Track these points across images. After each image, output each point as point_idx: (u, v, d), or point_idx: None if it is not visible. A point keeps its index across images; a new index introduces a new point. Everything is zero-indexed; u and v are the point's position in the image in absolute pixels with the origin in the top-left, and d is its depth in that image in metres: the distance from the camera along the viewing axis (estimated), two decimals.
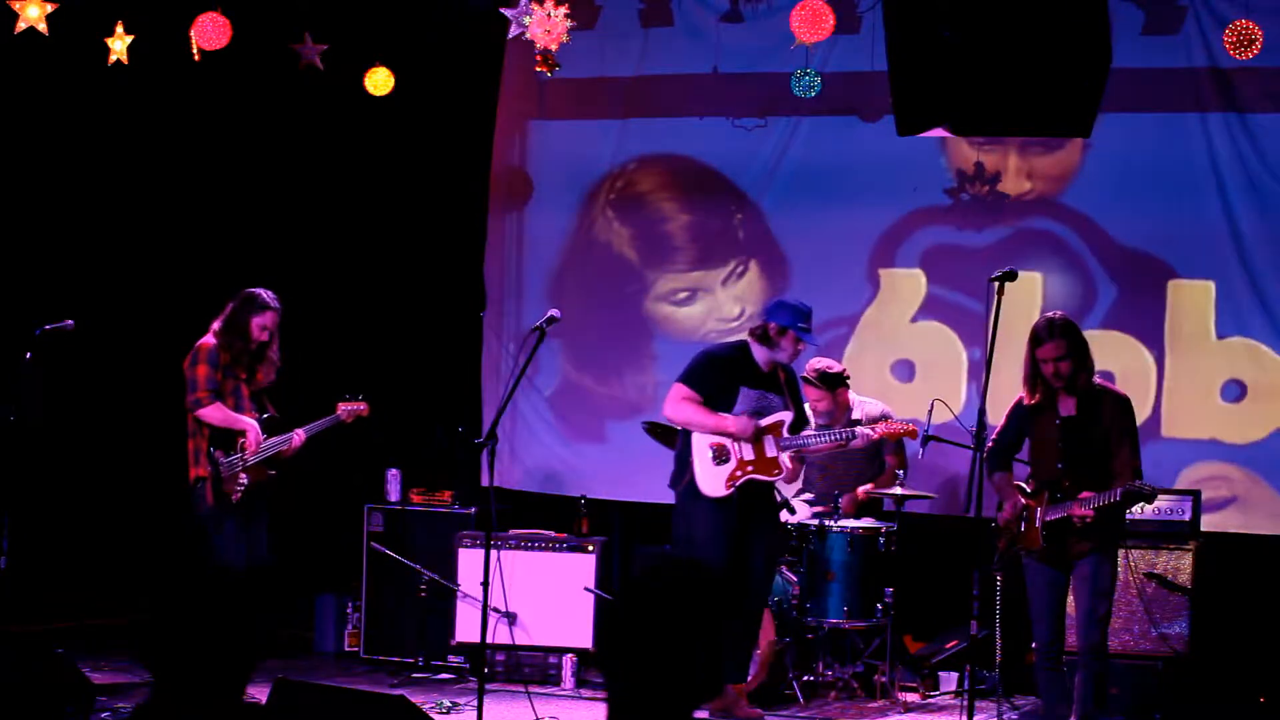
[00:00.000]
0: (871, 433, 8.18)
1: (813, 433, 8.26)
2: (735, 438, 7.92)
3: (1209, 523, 8.68)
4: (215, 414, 8.32)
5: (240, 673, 3.32)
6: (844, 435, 8.17)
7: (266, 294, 8.46)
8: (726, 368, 8.04)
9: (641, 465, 9.49)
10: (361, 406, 8.65)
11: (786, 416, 8.02)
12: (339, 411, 8.64)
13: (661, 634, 3.02)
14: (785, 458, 8.00)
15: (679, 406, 8.02)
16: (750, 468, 7.93)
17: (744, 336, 8.23)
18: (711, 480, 7.95)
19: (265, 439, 8.42)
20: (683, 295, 10.22)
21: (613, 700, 3.06)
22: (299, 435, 8.50)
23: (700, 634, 3.04)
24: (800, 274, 9.91)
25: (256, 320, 8.37)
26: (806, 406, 8.77)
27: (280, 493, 8.66)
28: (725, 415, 7.94)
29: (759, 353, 8.04)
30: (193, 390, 8.31)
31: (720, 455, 7.96)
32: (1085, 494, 7.11)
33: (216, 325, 8.45)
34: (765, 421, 7.97)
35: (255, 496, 8.50)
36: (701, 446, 8.01)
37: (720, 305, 10.12)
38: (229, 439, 8.37)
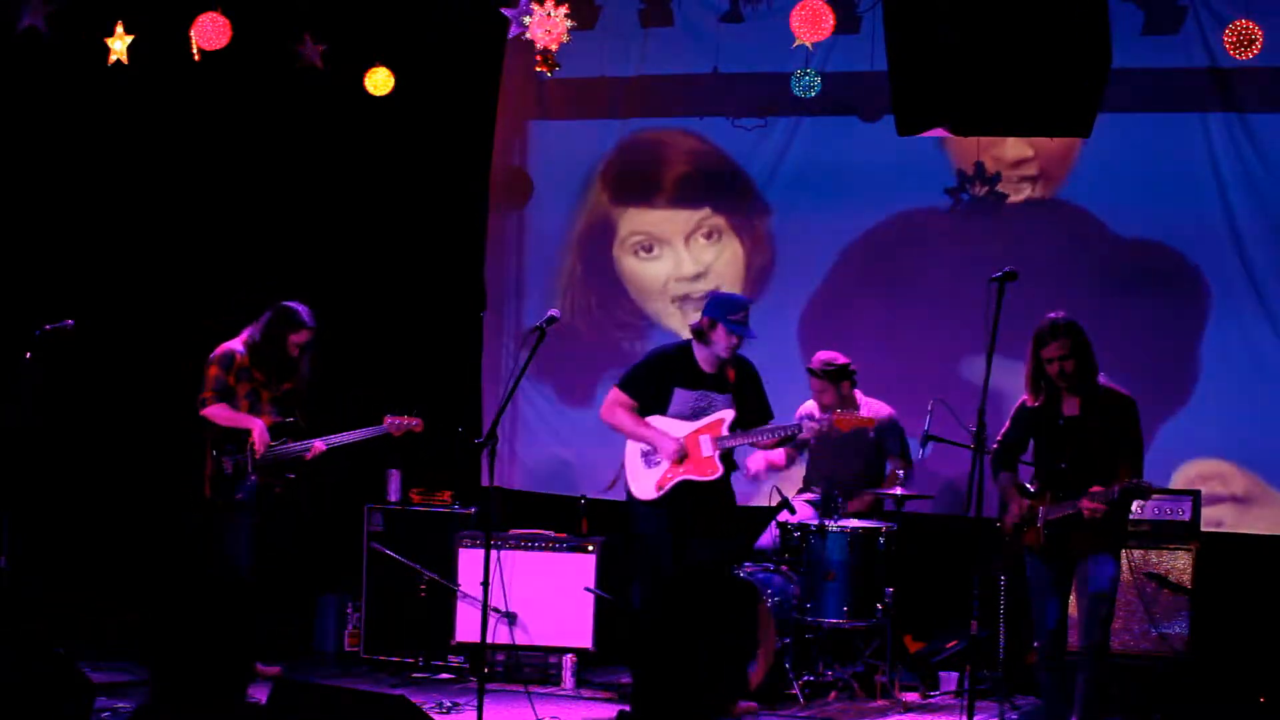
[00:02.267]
0: (817, 425, 8.06)
1: (759, 429, 8.09)
2: (659, 453, 7.96)
3: (1209, 522, 8.69)
4: (218, 413, 8.56)
5: (240, 673, 3.32)
6: (790, 429, 8.07)
7: (305, 312, 8.67)
8: (663, 369, 8.10)
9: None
10: (415, 422, 8.69)
11: (727, 415, 8.02)
12: (386, 424, 8.70)
13: (689, 643, 3.04)
14: (759, 459, 8.00)
15: (611, 411, 8.15)
16: (682, 470, 7.95)
17: (688, 336, 8.24)
18: (642, 483, 8.03)
19: (281, 441, 8.55)
20: (645, 246, 10.21)
21: (637, 704, 3.08)
22: (318, 445, 8.61)
23: (725, 643, 3.05)
24: (795, 269, 9.91)
25: (294, 338, 8.65)
26: (811, 402, 8.80)
27: (301, 494, 8.75)
28: (655, 430, 7.99)
29: (700, 351, 8.07)
30: (200, 389, 8.55)
31: (651, 458, 8.03)
32: (1095, 489, 7.08)
33: (248, 333, 8.62)
34: (700, 423, 8.00)
35: (271, 498, 8.58)
36: (633, 449, 8.12)
37: (683, 264, 10.13)
38: (236, 438, 8.54)
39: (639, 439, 8.07)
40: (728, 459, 8.10)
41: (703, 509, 8.03)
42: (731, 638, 3.08)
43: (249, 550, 8.51)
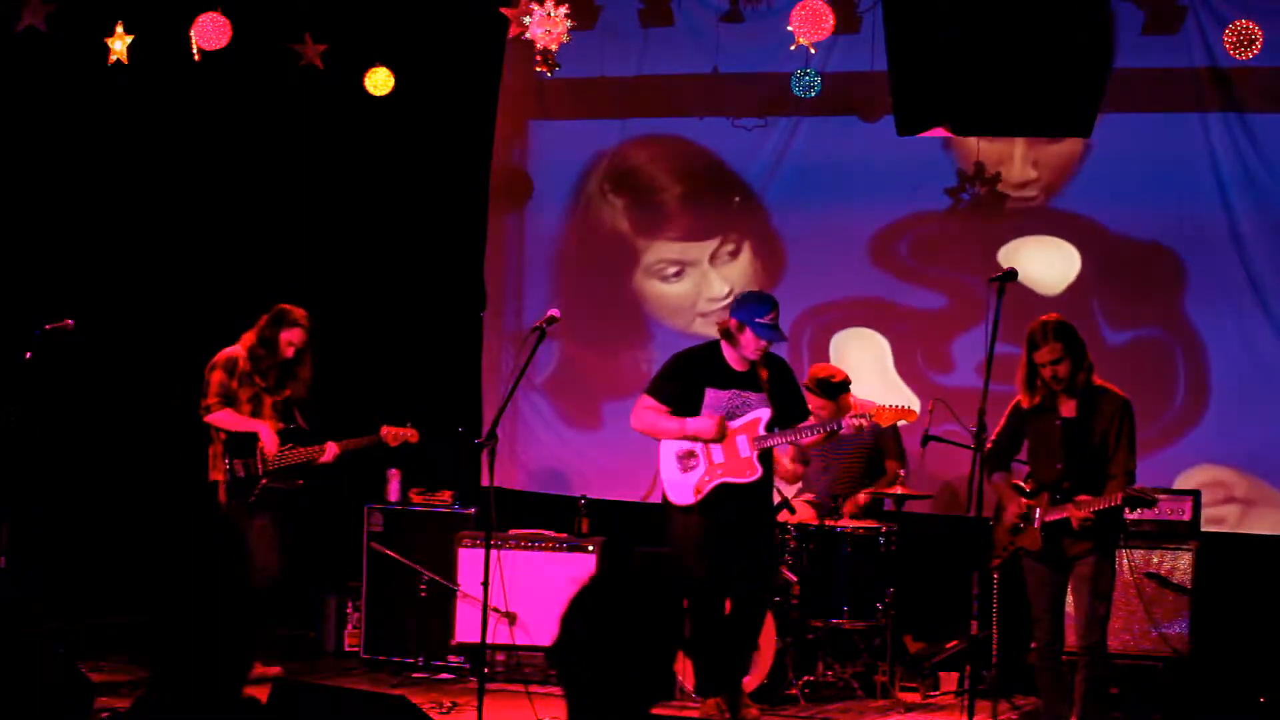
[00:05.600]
0: (859, 420, 7.72)
1: (797, 427, 7.79)
2: (698, 439, 7.70)
3: (1210, 523, 8.69)
4: (224, 418, 8.57)
5: (238, 670, 3.33)
6: (830, 426, 7.79)
7: (298, 312, 8.68)
8: (691, 370, 7.83)
9: (641, 464, 9.49)
10: (410, 433, 8.73)
11: (763, 414, 7.74)
12: (383, 434, 8.73)
13: (619, 631, 3.02)
14: (756, 458, 7.80)
15: (641, 417, 7.86)
16: (720, 471, 7.72)
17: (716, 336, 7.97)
18: (679, 488, 7.77)
19: (288, 446, 8.57)
20: (671, 271, 10.23)
21: (571, 700, 3.07)
22: (331, 448, 8.64)
23: (658, 631, 3.04)
24: (798, 271, 9.92)
25: (285, 335, 8.65)
26: None
27: (303, 500, 8.77)
28: (686, 419, 7.72)
29: (729, 351, 7.79)
30: (204, 395, 8.56)
31: (687, 462, 7.76)
32: (1082, 497, 7.10)
33: (247, 337, 8.64)
34: (736, 424, 7.73)
35: (278, 504, 8.59)
36: (668, 455, 7.83)
37: (710, 284, 10.13)
38: (247, 443, 8.54)
39: (675, 436, 7.75)
40: (766, 459, 7.81)
41: (743, 512, 7.75)
42: (661, 624, 3.06)
43: (272, 552, 8.53)
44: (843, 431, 7.84)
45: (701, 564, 7.65)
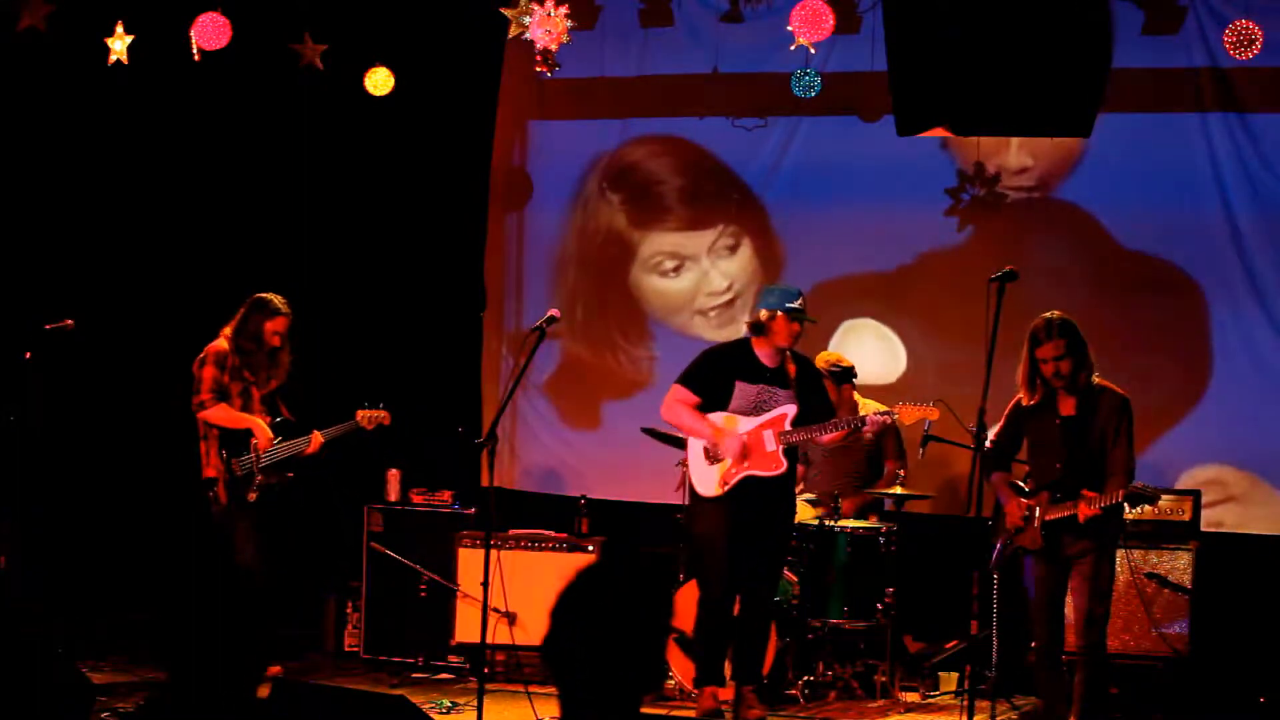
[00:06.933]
0: (882, 418, 7.95)
1: (821, 424, 7.91)
2: (719, 448, 7.82)
3: (1208, 523, 8.69)
4: (219, 414, 8.54)
5: (250, 672, 3.33)
6: (853, 422, 7.94)
7: (278, 299, 8.64)
8: (722, 364, 7.94)
9: (641, 465, 9.50)
10: (383, 415, 8.74)
11: (789, 410, 7.84)
12: (358, 418, 8.73)
13: (609, 624, 3.04)
14: (782, 452, 7.88)
15: (671, 409, 7.96)
16: (746, 464, 7.81)
17: (746, 334, 8.10)
18: (706, 480, 7.87)
19: (278, 440, 8.55)
20: (670, 265, 10.23)
21: (564, 694, 3.10)
22: (317, 437, 8.63)
23: (646, 625, 3.06)
24: (797, 270, 9.92)
25: (269, 325, 8.61)
26: None
27: (295, 494, 8.76)
28: (715, 425, 7.83)
29: (760, 346, 7.89)
30: (197, 392, 8.53)
31: (713, 454, 7.88)
32: (1088, 493, 7.09)
33: (228, 329, 8.61)
34: (763, 418, 7.83)
35: (274, 499, 8.59)
36: (695, 446, 7.95)
37: (710, 279, 10.13)
38: (240, 439, 8.52)
39: (700, 436, 7.88)
40: (791, 454, 7.92)
41: (766, 505, 7.84)
42: (649, 616, 3.09)
43: (266, 551, 8.52)
44: (866, 429, 7.95)
45: (724, 556, 7.73)
